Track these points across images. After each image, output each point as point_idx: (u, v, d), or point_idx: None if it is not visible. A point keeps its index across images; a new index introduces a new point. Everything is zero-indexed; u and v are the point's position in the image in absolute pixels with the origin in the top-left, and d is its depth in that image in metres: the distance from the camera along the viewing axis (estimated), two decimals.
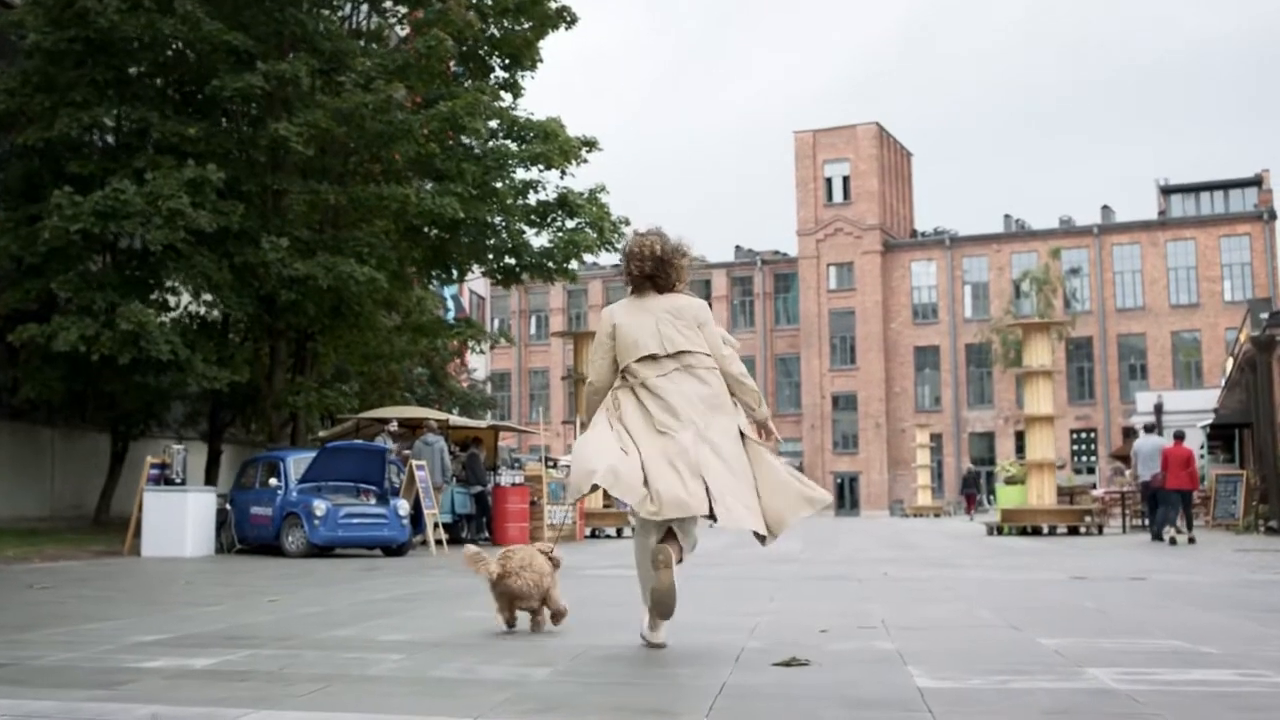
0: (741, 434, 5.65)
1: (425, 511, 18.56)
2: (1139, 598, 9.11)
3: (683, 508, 5.30)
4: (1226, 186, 71.12)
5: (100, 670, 5.25)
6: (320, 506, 17.15)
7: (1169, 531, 19.92)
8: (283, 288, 21.31)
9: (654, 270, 5.78)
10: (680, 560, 5.49)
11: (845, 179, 74.71)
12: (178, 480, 18.40)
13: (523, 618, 6.45)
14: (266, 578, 12.44)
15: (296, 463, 18.38)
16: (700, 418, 5.52)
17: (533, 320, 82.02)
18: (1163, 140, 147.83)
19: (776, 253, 78.46)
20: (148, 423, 25.02)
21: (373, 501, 18.02)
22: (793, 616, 7.66)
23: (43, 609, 8.71)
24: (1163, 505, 20.54)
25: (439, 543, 18.62)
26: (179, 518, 17.52)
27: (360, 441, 20.65)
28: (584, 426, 5.96)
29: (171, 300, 23.24)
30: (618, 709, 4.24)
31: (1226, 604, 8.63)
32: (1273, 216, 67.54)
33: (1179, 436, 21.09)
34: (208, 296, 22.66)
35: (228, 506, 18.95)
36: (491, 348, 33.14)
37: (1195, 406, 41.49)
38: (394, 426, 20.40)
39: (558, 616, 6.45)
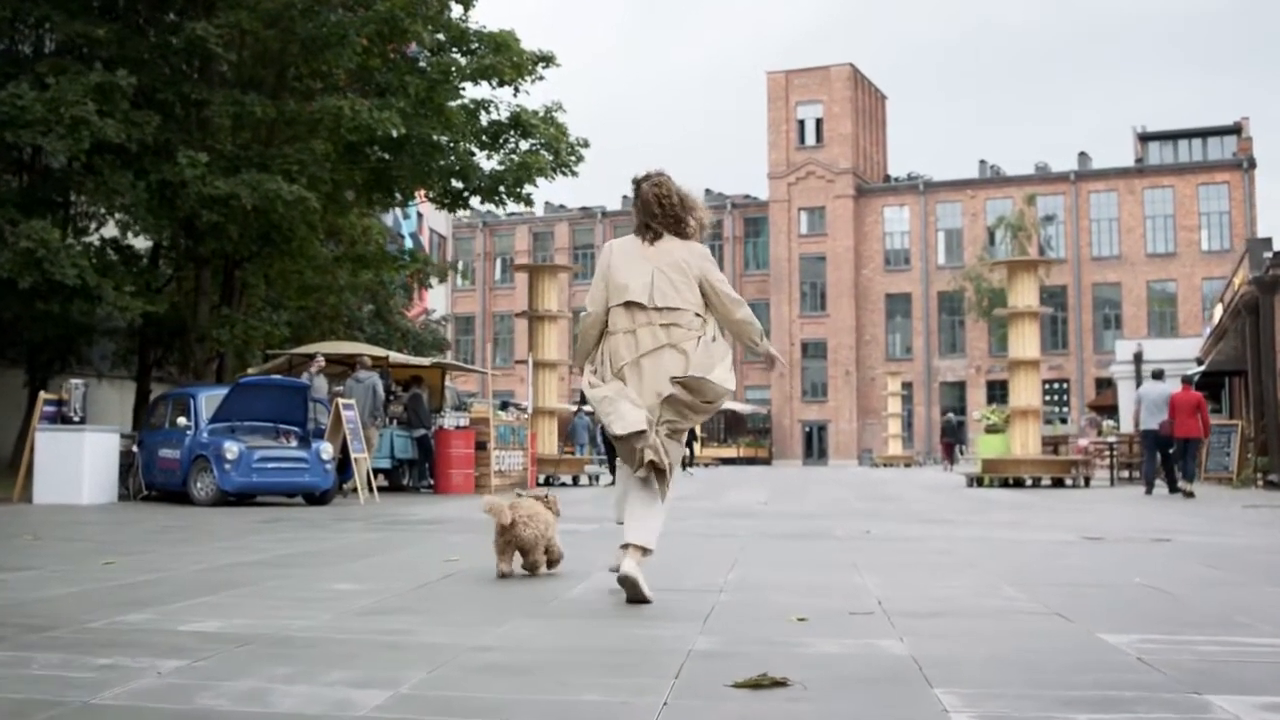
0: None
1: (353, 455, 16.66)
2: (1187, 568, 7.34)
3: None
4: (1205, 134, 69.51)
5: None
6: (232, 449, 15.20)
7: (1183, 484, 18.30)
8: (203, 208, 19.29)
9: (667, 218, 5.61)
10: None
11: (818, 121, 72.71)
12: (76, 419, 16.43)
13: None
14: (142, 531, 10.57)
15: (208, 400, 16.35)
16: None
17: (497, 263, 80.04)
18: (1142, 87, 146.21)
19: (747, 196, 76.41)
20: (67, 359, 23.07)
21: (293, 444, 16.07)
22: (759, 593, 5.83)
23: None
24: (1182, 455, 18.76)
25: (371, 490, 16.80)
26: (75, 461, 15.59)
27: (278, 377, 18.68)
28: (578, 350, 5.79)
29: (92, 226, 21.27)
30: None
31: None
32: (1251, 165, 66.06)
33: (1187, 381, 19.34)
34: (133, 222, 20.58)
35: (134, 449, 17.01)
36: (441, 281, 31.18)
37: (1175, 355, 40.08)
38: (320, 362, 18.44)
39: (554, 563, 6.51)
